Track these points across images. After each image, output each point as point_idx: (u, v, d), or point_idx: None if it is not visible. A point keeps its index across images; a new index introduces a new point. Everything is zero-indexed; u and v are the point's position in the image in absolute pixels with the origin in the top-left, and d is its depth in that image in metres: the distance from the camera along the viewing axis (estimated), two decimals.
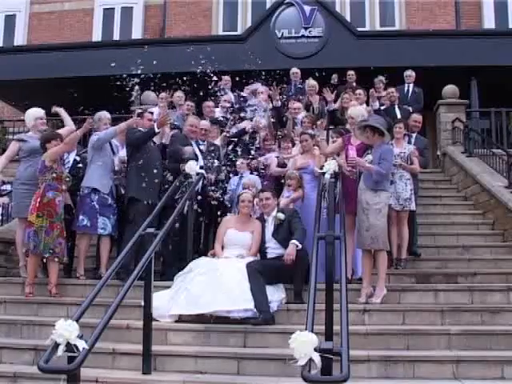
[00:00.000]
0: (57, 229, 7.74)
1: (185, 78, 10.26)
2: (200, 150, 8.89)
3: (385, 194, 7.27)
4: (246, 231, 7.56)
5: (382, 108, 11.91)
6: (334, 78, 13.28)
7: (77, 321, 4.64)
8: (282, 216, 7.51)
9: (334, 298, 5.34)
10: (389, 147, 7.53)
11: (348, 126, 8.94)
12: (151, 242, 6.12)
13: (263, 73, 11.44)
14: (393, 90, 12.08)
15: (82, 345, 4.43)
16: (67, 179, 7.96)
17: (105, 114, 8.67)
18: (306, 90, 12.44)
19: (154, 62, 13.62)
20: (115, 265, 5.75)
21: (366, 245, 7.17)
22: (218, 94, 11.75)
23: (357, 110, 8.58)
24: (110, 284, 6.03)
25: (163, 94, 11.87)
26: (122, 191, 8.48)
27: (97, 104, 9.37)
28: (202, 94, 10.38)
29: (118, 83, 9.15)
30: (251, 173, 9.14)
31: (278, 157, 9.27)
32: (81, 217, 8.18)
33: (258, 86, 11.82)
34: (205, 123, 9.44)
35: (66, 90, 14.27)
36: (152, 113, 9.19)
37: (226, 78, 12.41)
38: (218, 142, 9.69)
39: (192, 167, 8.20)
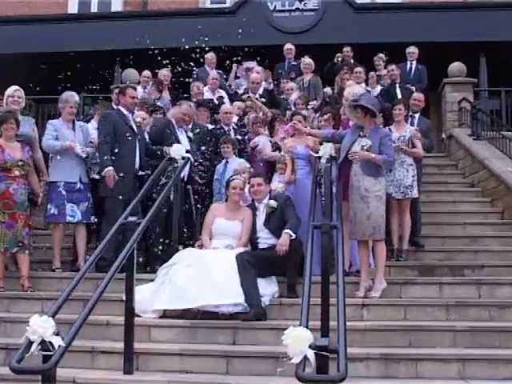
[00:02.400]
0: (20, 219, 7.72)
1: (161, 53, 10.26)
2: (188, 138, 8.87)
3: (384, 180, 7.38)
4: (236, 220, 7.57)
5: (382, 88, 11.93)
6: (338, 57, 13.20)
7: (53, 317, 4.64)
8: (274, 203, 7.52)
9: (331, 292, 5.35)
10: (387, 131, 7.57)
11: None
12: (133, 231, 6.12)
13: (254, 49, 11.45)
14: (393, 67, 12.09)
15: (58, 342, 4.43)
16: (20, 163, 7.85)
17: (72, 96, 8.47)
18: (300, 68, 12.46)
19: (137, 39, 13.61)
20: (94, 256, 5.74)
21: (366, 235, 7.20)
22: (199, 74, 11.80)
23: (351, 89, 8.56)
24: (88, 277, 6.01)
25: (146, 72, 11.88)
26: (93, 175, 8.44)
27: (73, 82, 9.32)
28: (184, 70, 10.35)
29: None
30: (241, 157, 9.14)
31: (271, 141, 9.26)
32: (48, 206, 8.18)
33: (254, 65, 11.83)
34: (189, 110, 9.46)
35: (39, 66, 14.22)
36: (135, 88, 9.11)
37: (211, 55, 12.41)
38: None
39: (177, 151, 8.18)
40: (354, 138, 7.39)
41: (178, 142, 8.57)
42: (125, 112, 8.42)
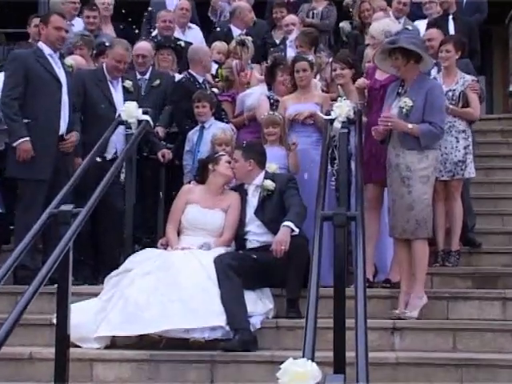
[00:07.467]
0: None
1: None
2: (124, 88, 8.74)
3: (434, 153, 7.29)
4: (217, 208, 7.60)
5: (428, 21, 11.85)
6: None
7: None
8: (270, 185, 7.52)
9: (348, 310, 5.38)
10: (437, 83, 7.52)
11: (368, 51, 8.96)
12: (69, 224, 6.10)
13: None
14: None
15: None
16: None
17: None
18: None
19: None
20: (10, 261, 5.70)
21: (408, 232, 7.16)
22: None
23: (380, 24, 8.53)
24: (3, 291, 6.02)
25: None
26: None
27: None
28: None
29: None
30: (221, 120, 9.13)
31: (269, 96, 9.23)
32: None
33: None
34: (144, 47, 9.40)
35: None
36: (64, 16, 8.78)
37: None
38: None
39: (131, 112, 8.13)
40: (393, 98, 7.37)
41: (109, 100, 8.54)
42: (46, 51, 8.16)
